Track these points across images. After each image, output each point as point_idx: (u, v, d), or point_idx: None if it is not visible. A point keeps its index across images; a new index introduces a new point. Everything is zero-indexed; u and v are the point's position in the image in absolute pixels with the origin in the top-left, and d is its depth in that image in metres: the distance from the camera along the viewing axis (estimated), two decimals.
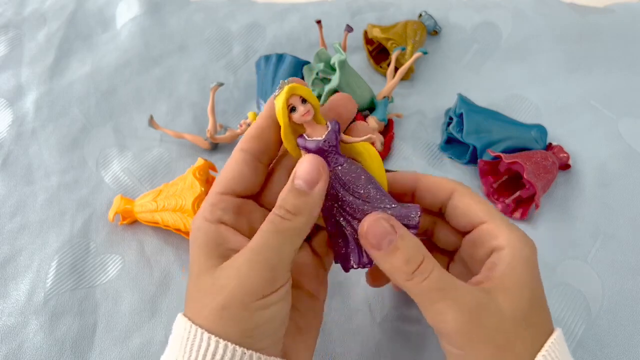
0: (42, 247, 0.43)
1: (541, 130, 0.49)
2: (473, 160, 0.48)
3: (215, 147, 0.49)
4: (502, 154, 0.44)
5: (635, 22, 0.60)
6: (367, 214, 0.28)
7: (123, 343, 0.38)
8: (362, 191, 0.29)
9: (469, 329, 0.26)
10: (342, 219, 0.29)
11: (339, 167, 0.28)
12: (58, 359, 0.38)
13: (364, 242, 0.28)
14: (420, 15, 0.59)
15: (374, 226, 0.27)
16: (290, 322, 0.29)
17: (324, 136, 0.28)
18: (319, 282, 0.32)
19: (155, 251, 0.43)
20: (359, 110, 0.50)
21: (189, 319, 0.26)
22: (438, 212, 0.32)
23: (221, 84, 0.48)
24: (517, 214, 0.45)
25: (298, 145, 0.28)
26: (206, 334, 0.25)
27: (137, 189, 0.47)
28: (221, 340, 0.25)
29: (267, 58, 0.53)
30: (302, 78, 0.51)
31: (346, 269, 0.30)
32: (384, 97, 0.50)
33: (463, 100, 0.50)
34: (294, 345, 0.29)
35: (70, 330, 0.39)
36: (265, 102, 0.51)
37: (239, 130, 0.48)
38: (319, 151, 0.28)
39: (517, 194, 0.45)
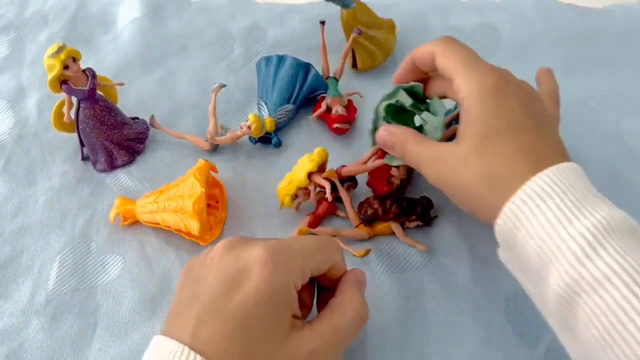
0: (43, 248, 0.44)
1: None
2: None
3: (215, 148, 0.50)
4: None
5: (634, 23, 0.60)
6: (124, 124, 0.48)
7: (123, 342, 0.39)
8: (118, 117, 0.48)
9: (434, 178, 0.34)
10: (104, 135, 0.47)
11: (101, 102, 0.46)
12: (58, 357, 0.38)
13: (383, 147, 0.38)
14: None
15: (381, 136, 0.37)
16: None
17: (87, 85, 0.44)
18: None
19: (156, 251, 0.43)
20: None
21: None
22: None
23: (223, 85, 0.49)
24: None
25: (63, 90, 0.44)
26: None
27: (138, 189, 0.47)
28: None
29: (267, 59, 0.53)
30: (304, 81, 0.51)
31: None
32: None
33: None
34: None
35: (70, 329, 0.39)
36: (266, 103, 0.51)
37: (239, 132, 0.48)
38: (89, 93, 0.44)
39: None
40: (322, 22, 0.51)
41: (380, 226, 0.43)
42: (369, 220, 0.44)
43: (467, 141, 0.32)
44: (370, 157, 0.43)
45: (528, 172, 0.29)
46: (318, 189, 0.44)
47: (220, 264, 0.29)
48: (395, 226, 0.43)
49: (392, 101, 0.39)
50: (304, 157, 0.43)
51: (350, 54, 0.54)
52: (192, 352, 0.25)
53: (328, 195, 0.42)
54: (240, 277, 0.28)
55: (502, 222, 0.29)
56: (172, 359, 0.25)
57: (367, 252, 0.41)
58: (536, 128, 0.31)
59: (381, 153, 0.43)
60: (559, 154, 0.31)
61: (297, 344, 0.27)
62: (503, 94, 0.31)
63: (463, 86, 0.32)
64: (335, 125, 0.50)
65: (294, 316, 0.29)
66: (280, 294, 0.28)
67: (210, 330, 0.26)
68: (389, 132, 0.37)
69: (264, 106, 0.51)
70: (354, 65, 0.55)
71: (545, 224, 0.27)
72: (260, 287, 0.27)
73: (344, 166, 0.44)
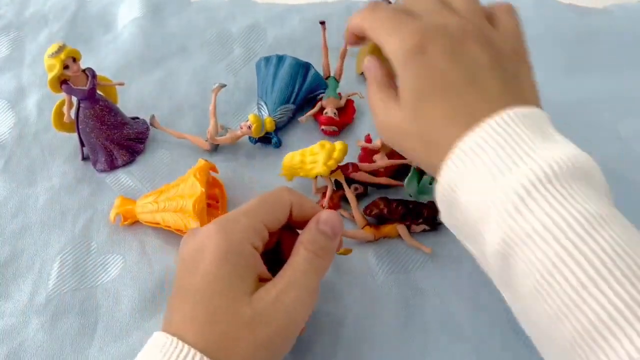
0: (43, 247, 0.44)
1: None
2: None
3: (216, 148, 0.50)
4: None
5: (634, 23, 0.60)
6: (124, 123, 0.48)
7: (123, 341, 0.39)
8: (118, 117, 0.48)
9: (385, 137, 0.34)
10: (104, 135, 0.47)
11: (101, 102, 0.46)
12: (58, 356, 0.38)
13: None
14: None
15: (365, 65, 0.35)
16: None
17: (87, 85, 0.44)
18: None
19: (156, 251, 0.43)
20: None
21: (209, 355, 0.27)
22: None
23: (223, 85, 0.48)
24: None
25: (63, 90, 0.44)
26: None
27: (138, 189, 0.47)
28: None
29: (267, 59, 0.53)
30: (304, 81, 0.51)
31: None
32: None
33: None
34: None
35: (71, 328, 0.39)
36: (265, 103, 0.51)
37: (239, 132, 0.48)
38: (88, 93, 0.45)
39: None
40: (322, 23, 0.51)
41: (387, 228, 0.43)
42: (375, 222, 0.44)
43: (403, 105, 0.30)
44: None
45: (463, 131, 0.27)
46: (320, 185, 0.43)
47: (181, 253, 0.31)
48: (401, 228, 0.43)
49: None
50: (322, 149, 0.42)
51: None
52: (164, 333, 0.28)
53: (326, 201, 0.42)
54: (198, 255, 0.30)
55: (440, 186, 0.29)
56: (151, 343, 0.29)
57: (347, 252, 0.40)
58: (470, 81, 0.29)
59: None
60: (505, 100, 0.28)
61: (263, 294, 0.29)
62: (425, 53, 0.29)
63: (388, 53, 0.31)
64: (321, 127, 0.50)
65: (263, 278, 0.30)
66: (234, 254, 0.29)
67: (179, 311, 0.29)
68: (370, 63, 0.35)
69: (264, 106, 0.51)
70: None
71: (482, 178, 0.26)
72: (214, 254, 0.29)
73: (355, 165, 0.44)
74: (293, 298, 0.29)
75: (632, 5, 0.63)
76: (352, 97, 0.52)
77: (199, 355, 0.26)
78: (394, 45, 0.30)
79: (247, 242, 0.30)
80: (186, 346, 0.26)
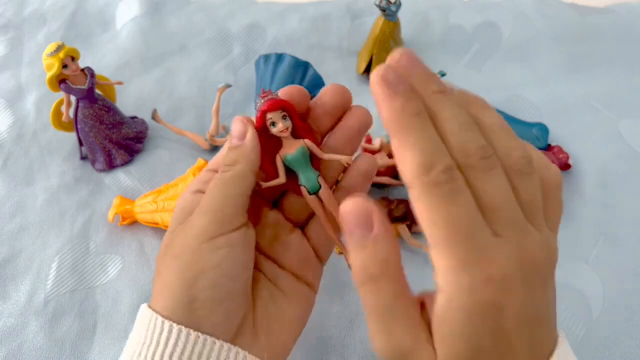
0: (42, 248, 0.43)
1: (542, 128, 0.49)
2: None
3: (215, 147, 0.49)
4: None
5: (636, 22, 0.60)
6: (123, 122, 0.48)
7: (122, 342, 0.38)
8: (117, 116, 0.48)
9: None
10: (102, 134, 0.47)
11: (100, 101, 0.46)
12: (58, 359, 0.38)
13: (343, 219, 0.24)
14: (384, 10, 0.53)
15: (355, 209, 0.24)
16: (271, 302, 0.29)
17: (86, 84, 0.44)
18: (309, 267, 0.31)
19: (155, 251, 0.43)
20: None
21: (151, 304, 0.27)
22: None
23: (229, 86, 0.48)
24: None
25: (62, 89, 0.44)
26: (160, 319, 0.25)
27: (137, 189, 0.47)
28: (175, 326, 0.25)
29: (266, 57, 0.53)
30: (302, 80, 0.51)
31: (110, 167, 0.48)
32: None
33: None
34: (276, 327, 0.29)
35: (70, 330, 0.39)
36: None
37: None
38: (87, 92, 0.45)
39: None
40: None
41: None
42: None
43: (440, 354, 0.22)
44: None
45: None
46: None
47: None
48: (401, 228, 0.43)
49: None
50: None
51: (366, 59, 0.54)
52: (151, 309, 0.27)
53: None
54: None
55: None
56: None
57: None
58: (530, 344, 0.23)
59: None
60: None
61: (184, 223, 0.28)
62: (500, 310, 0.22)
63: (446, 284, 0.23)
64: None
65: None
66: (177, 206, 0.30)
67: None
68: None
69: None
70: (366, 70, 0.55)
71: None
72: None
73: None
74: (197, 215, 0.27)
75: (634, 5, 0.62)
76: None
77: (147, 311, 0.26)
78: (460, 280, 0.22)
79: (190, 191, 0.29)
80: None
